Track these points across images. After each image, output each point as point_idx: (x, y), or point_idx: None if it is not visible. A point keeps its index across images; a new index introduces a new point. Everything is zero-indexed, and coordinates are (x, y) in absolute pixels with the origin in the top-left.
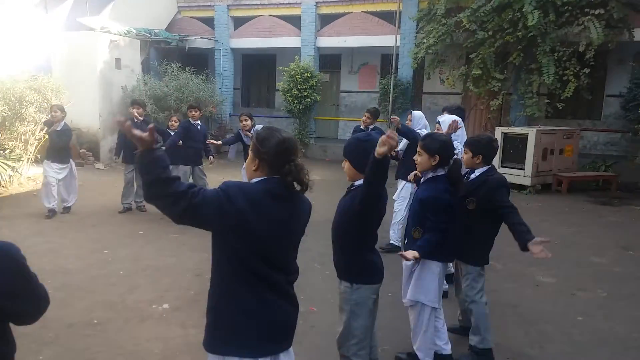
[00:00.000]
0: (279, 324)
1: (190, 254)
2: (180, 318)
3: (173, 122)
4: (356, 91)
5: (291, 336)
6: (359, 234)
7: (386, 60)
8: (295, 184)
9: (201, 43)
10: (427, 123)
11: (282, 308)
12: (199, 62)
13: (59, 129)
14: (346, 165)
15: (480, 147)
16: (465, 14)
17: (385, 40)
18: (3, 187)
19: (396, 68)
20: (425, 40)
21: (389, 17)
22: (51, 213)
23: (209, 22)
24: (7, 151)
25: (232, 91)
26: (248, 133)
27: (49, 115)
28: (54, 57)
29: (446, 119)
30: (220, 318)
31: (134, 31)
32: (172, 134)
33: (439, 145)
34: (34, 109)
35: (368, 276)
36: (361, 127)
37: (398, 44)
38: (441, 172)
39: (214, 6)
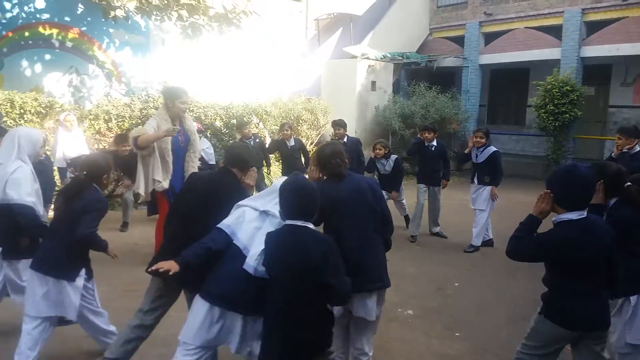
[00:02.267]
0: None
1: (431, 267)
2: (424, 327)
3: (377, 151)
4: (630, 106)
5: None
6: (550, 275)
7: None
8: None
9: (449, 62)
10: None
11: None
12: (446, 80)
13: (292, 144)
14: None
15: None
16: None
17: None
18: None
19: None
20: None
21: None
22: None
23: (459, 40)
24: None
25: (478, 108)
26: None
27: (281, 134)
28: (323, 81)
29: None
30: None
31: (389, 55)
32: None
33: None
34: (307, 127)
35: (553, 315)
36: (612, 154)
37: None
38: None
39: (465, 24)
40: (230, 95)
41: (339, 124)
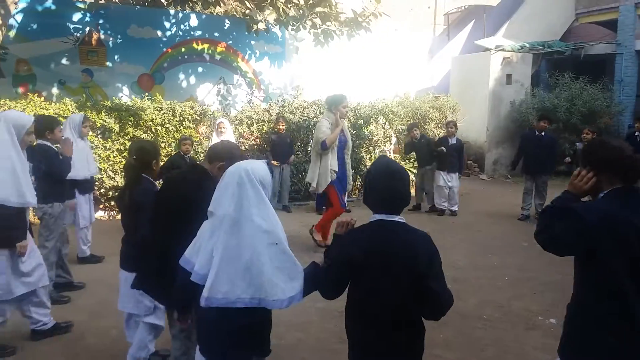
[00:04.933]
0: None
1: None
2: None
3: (585, 135)
4: None
5: None
6: None
7: None
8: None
9: (599, 49)
10: None
11: None
12: (596, 69)
13: (453, 142)
14: None
15: None
16: None
17: None
18: None
19: None
20: None
21: None
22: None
23: (611, 25)
24: (412, 160)
25: (635, 99)
26: None
27: (444, 131)
28: (452, 78)
29: None
30: None
31: (527, 46)
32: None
33: None
34: (434, 125)
35: None
36: None
37: None
38: None
39: (618, 7)
40: (357, 95)
41: (545, 117)
